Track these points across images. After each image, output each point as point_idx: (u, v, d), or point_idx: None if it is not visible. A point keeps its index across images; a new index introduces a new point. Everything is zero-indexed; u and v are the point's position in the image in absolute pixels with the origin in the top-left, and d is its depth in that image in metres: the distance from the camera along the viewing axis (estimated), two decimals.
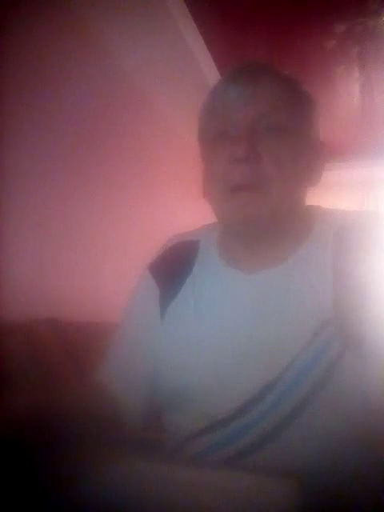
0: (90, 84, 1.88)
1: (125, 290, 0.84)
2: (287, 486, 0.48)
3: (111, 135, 2.08)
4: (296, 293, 0.66)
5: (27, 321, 1.32)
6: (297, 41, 2.21)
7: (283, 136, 0.66)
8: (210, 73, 2.34)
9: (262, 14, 2.01)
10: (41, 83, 1.59)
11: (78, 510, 0.47)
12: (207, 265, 0.76)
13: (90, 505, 0.47)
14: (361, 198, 3.82)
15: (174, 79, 2.35)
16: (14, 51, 1.43)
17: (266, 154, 0.65)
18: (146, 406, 0.74)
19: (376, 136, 3.02)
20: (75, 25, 1.78)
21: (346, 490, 0.55)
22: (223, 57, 2.28)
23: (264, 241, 0.70)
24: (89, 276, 1.87)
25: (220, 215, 0.72)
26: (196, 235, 0.82)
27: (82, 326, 1.47)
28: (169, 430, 0.72)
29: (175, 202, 2.85)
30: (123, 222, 2.19)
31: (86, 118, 1.87)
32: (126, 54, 2.08)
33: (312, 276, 0.66)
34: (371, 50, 2.30)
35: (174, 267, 0.78)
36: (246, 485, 0.50)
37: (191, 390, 0.67)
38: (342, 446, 0.58)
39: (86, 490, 0.50)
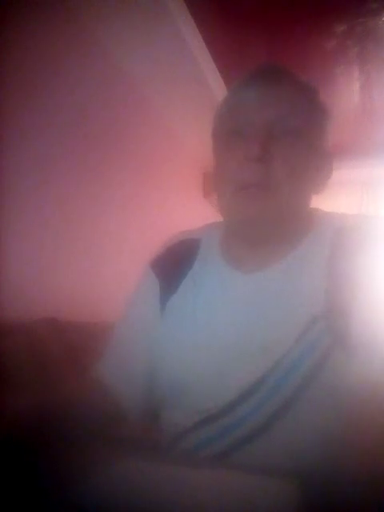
0: (89, 84, 1.88)
1: (124, 289, 0.84)
2: (287, 485, 0.48)
3: (111, 135, 2.08)
4: (291, 290, 0.67)
5: (27, 321, 1.32)
6: (297, 41, 2.21)
7: (297, 141, 0.68)
8: (209, 73, 2.34)
9: (261, 13, 2.01)
10: (40, 83, 1.59)
11: (78, 509, 0.47)
12: (207, 263, 0.77)
13: (90, 504, 0.47)
14: (360, 198, 3.82)
15: (174, 79, 2.35)
16: (13, 51, 1.43)
17: (279, 156, 0.66)
18: (145, 402, 0.75)
19: (376, 136, 3.02)
20: (75, 25, 1.78)
21: (341, 486, 0.56)
22: (223, 57, 2.28)
23: (265, 241, 0.72)
24: (89, 276, 1.87)
25: (226, 212, 0.73)
26: (198, 233, 0.83)
27: (81, 326, 1.47)
28: (164, 426, 0.72)
29: (174, 202, 2.85)
30: (123, 222, 2.19)
31: (85, 117, 1.87)
32: (126, 53, 2.08)
33: (307, 274, 0.68)
34: (371, 50, 2.30)
35: (174, 264, 0.79)
36: (246, 485, 0.50)
37: (186, 385, 0.68)
38: (331, 441, 0.59)
39: (85, 489, 0.50)
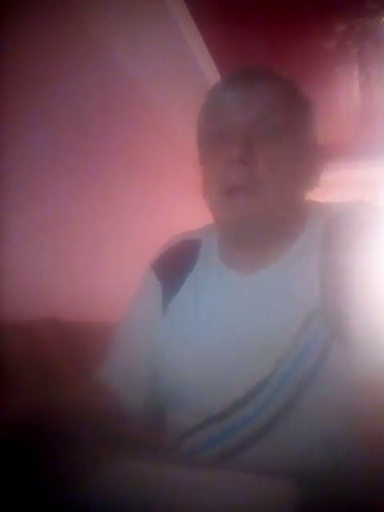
0: (89, 84, 1.89)
1: (125, 289, 0.84)
2: (286, 486, 0.48)
3: (111, 135, 2.08)
4: (288, 288, 0.67)
5: (27, 321, 1.32)
6: (297, 41, 2.21)
7: (280, 138, 0.67)
8: (209, 73, 2.34)
9: (261, 13, 2.01)
10: (41, 83, 1.59)
11: (78, 509, 0.47)
12: (208, 264, 0.77)
13: (90, 505, 0.47)
14: (360, 198, 3.83)
15: (174, 79, 2.35)
16: (14, 51, 1.43)
17: (263, 155, 0.66)
18: (147, 403, 0.75)
19: (376, 136, 3.03)
20: (75, 25, 1.78)
21: (344, 487, 0.56)
22: (223, 57, 2.28)
23: (259, 242, 0.71)
24: (89, 276, 1.87)
25: (216, 217, 0.73)
26: (198, 234, 0.83)
27: (82, 326, 1.47)
28: (167, 427, 0.72)
29: (175, 202, 2.85)
30: (123, 222, 2.19)
31: (85, 117, 1.87)
32: (126, 53, 2.08)
33: (303, 270, 0.67)
34: (371, 50, 2.30)
35: (176, 265, 0.78)
36: (246, 485, 0.50)
37: (188, 386, 0.68)
38: (334, 438, 0.59)
39: (86, 489, 0.50)
